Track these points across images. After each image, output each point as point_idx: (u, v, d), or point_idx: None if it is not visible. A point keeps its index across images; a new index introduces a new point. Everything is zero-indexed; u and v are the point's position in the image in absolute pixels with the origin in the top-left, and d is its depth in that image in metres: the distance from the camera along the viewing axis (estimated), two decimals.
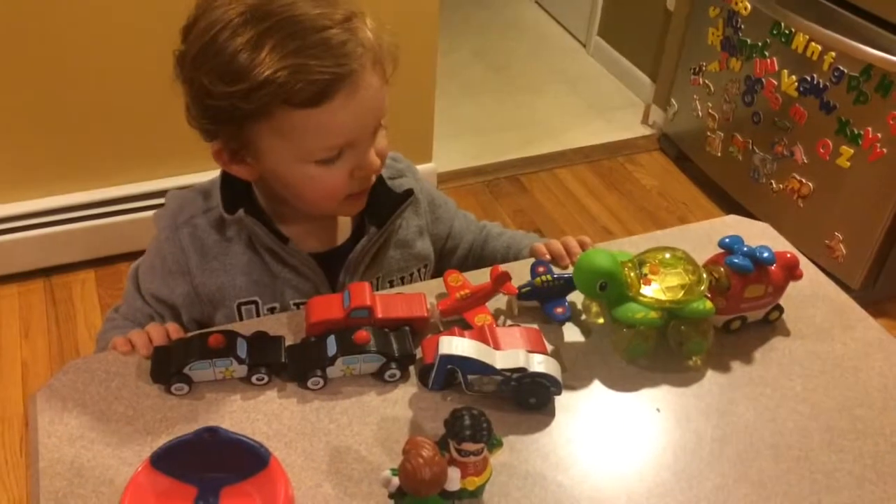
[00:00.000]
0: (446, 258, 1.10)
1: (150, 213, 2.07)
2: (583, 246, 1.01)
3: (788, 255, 0.90)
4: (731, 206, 2.41)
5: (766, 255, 0.87)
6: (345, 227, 0.99)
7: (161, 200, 2.11)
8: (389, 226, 0.97)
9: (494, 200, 2.48)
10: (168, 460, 0.65)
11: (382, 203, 0.96)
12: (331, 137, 0.83)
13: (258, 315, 0.95)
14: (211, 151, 0.87)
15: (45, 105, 1.86)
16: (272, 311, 0.95)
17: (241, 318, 0.94)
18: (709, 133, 2.44)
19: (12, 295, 2.04)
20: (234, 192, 0.92)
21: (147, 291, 0.96)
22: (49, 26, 1.76)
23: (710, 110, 2.42)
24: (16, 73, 1.80)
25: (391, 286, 1.00)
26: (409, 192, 0.98)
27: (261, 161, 0.86)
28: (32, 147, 1.92)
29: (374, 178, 0.91)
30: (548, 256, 0.99)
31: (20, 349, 1.91)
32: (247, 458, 0.66)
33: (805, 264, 0.95)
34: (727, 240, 0.89)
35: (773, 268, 0.88)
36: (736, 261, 0.86)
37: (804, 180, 2.13)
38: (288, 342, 0.85)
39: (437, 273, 1.06)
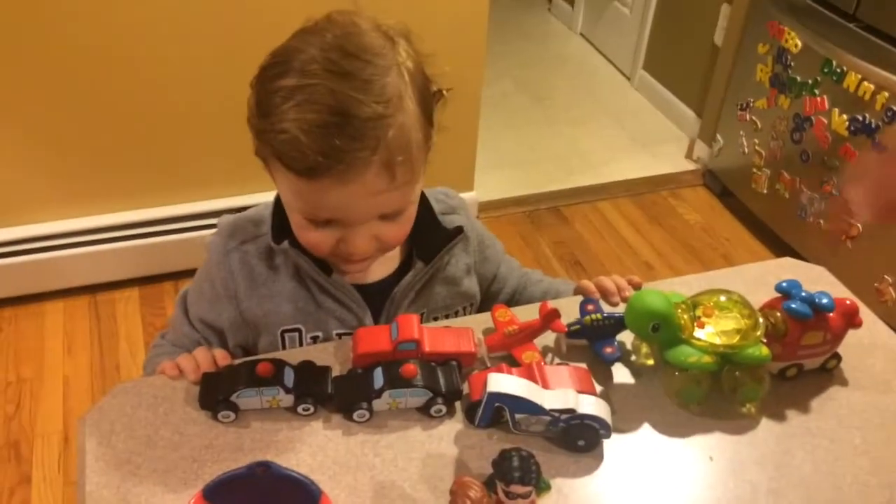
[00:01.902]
0: (489, 301, 1.08)
1: (196, 233, 2.13)
2: (633, 285, 0.99)
3: (848, 302, 0.88)
4: (776, 244, 2.37)
5: (825, 301, 0.85)
6: (392, 259, 0.98)
7: (207, 222, 2.17)
8: (437, 262, 0.96)
9: (535, 231, 2.47)
10: (220, 493, 0.65)
11: (432, 238, 0.96)
12: (312, 210, 0.82)
13: (301, 343, 0.95)
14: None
15: (95, 125, 1.90)
16: (315, 339, 0.95)
17: (283, 346, 0.94)
18: (755, 170, 2.41)
19: (58, 310, 2.07)
20: (283, 220, 0.93)
21: (195, 316, 0.97)
22: (100, 48, 1.80)
23: (756, 147, 2.39)
24: (67, 92, 1.84)
25: (435, 322, 0.99)
26: (460, 230, 0.97)
27: None
28: (83, 167, 1.96)
29: (369, 256, 0.88)
30: (597, 294, 0.97)
31: (63, 365, 1.94)
32: (297, 495, 0.65)
33: (863, 311, 0.93)
34: (785, 284, 0.87)
35: (831, 315, 0.86)
36: (794, 306, 0.84)
37: (853, 221, 2.09)
38: (335, 373, 0.85)
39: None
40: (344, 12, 0.82)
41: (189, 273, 2.09)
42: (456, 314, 1.01)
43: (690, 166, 2.80)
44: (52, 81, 1.82)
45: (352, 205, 0.81)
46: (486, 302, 1.07)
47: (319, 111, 0.76)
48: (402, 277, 0.96)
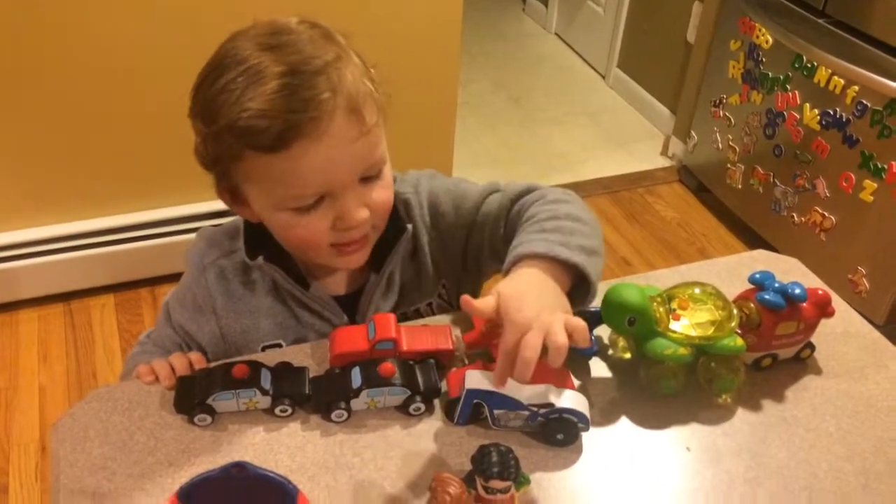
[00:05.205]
0: (476, 252, 0.97)
1: (171, 239, 2.10)
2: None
3: (820, 292, 0.89)
4: (751, 238, 2.40)
5: (797, 291, 0.86)
6: (366, 267, 0.95)
7: (182, 227, 2.14)
8: (386, 267, 0.93)
9: None
10: (195, 494, 0.64)
11: (378, 244, 0.91)
12: (297, 186, 0.79)
13: None
14: (216, 191, 0.87)
15: (67, 130, 1.88)
16: None
17: None
18: (729, 165, 2.43)
19: (32, 319, 2.04)
20: (257, 234, 0.91)
21: (177, 322, 0.96)
22: (72, 53, 1.78)
23: (730, 142, 2.41)
24: (37, 97, 1.82)
25: (418, 313, 0.99)
26: (402, 230, 0.92)
27: (249, 205, 0.85)
28: (54, 173, 1.94)
29: (366, 230, 0.86)
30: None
31: (38, 374, 1.91)
32: (274, 494, 0.65)
33: (836, 301, 0.94)
34: (758, 275, 0.88)
35: (804, 305, 0.87)
36: (767, 297, 0.85)
37: (826, 214, 2.11)
38: (312, 373, 0.84)
39: (475, 272, 0.99)
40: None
41: (166, 279, 2.10)
42: (439, 296, 1.00)
43: (666, 163, 2.82)
44: (21, 89, 1.79)
45: (333, 161, 0.78)
46: (478, 251, 0.97)
47: (270, 79, 0.75)
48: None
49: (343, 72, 0.78)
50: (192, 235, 0.98)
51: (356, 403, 0.81)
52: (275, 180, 0.80)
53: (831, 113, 2.02)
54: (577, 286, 0.83)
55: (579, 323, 0.74)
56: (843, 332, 0.95)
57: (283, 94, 0.75)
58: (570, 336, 0.72)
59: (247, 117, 0.75)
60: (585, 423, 0.79)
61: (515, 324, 0.73)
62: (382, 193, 0.85)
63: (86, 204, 2.00)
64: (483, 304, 0.76)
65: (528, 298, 0.75)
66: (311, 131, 0.76)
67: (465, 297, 0.76)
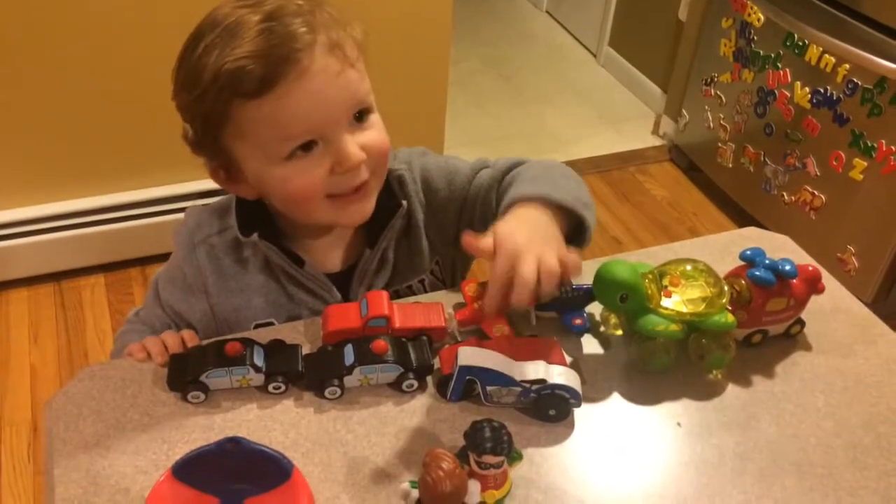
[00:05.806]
0: (468, 226, 0.96)
1: (161, 218, 2.09)
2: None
3: (810, 269, 0.89)
4: (741, 217, 2.40)
5: (788, 268, 0.86)
6: (360, 244, 0.96)
7: (172, 206, 2.13)
8: (381, 243, 0.93)
9: None
10: (190, 470, 0.64)
11: (373, 220, 0.91)
12: (286, 126, 0.79)
13: None
14: (208, 173, 0.87)
15: (56, 109, 1.86)
16: None
17: None
18: (720, 144, 2.43)
19: (22, 299, 2.04)
20: (249, 211, 0.91)
21: (166, 303, 0.96)
22: (63, 30, 1.76)
23: (721, 121, 2.41)
24: (26, 76, 1.80)
25: (410, 290, 0.99)
26: (398, 207, 0.92)
27: (245, 174, 0.85)
28: (43, 152, 1.92)
29: (365, 176, 0.84)
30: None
31: (29, 354, 1.91)
32: (269, 470, 0.65)
33: (826, 278, 0.94)
34: (749, 252, 0.88)
35: (794, 281, 0.87)
36: (758, 274, 0.85)
37: (816, 192, 2.12)
38: (305, 350, 0.84)
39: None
40: None
41: (156, 258, 2.09)
42: (432, 273, 1.00)
43: (657, 142, 2.82)
44: (10, 65, 1.77)
45: (320, 97, 0.79)
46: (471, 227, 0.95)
47: (249, 28, 0.77)
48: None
49: (318, 16, 0.80)
50: (183, 215, 0.97)
51: (349, 380, 0.81)
52: (264, 126, 0.80)
53: (822, 91, 2.02)
54: (572, 236, 0.85)
55: (572, 255, 0.75)
56: (832, 308, 0.96)
57: (262, 36, 0.76)
58: (563, 268, 0.74)
59: (231, 61, 0.76)
60: (577, 399, 0.79)
61: (507, 251, 0.75)
62: (375, 135, 0.85)
63: (76, 183, 1.99)
64: (483, 242, 0.78)
65: (521, 230, 0.78)
66: (292, 68, 0.77)
67: (467, 234, 0.79)
